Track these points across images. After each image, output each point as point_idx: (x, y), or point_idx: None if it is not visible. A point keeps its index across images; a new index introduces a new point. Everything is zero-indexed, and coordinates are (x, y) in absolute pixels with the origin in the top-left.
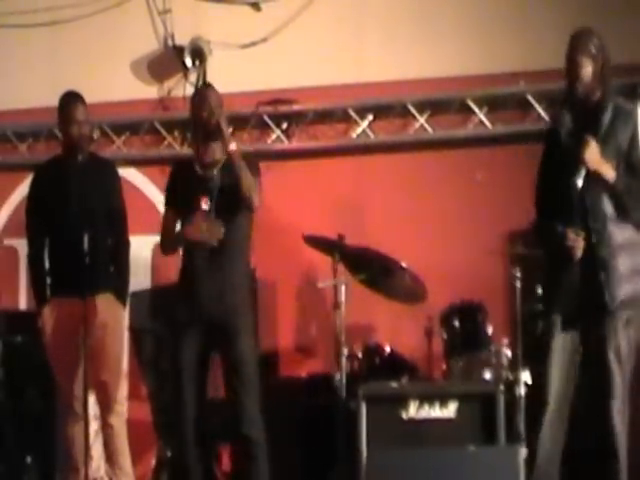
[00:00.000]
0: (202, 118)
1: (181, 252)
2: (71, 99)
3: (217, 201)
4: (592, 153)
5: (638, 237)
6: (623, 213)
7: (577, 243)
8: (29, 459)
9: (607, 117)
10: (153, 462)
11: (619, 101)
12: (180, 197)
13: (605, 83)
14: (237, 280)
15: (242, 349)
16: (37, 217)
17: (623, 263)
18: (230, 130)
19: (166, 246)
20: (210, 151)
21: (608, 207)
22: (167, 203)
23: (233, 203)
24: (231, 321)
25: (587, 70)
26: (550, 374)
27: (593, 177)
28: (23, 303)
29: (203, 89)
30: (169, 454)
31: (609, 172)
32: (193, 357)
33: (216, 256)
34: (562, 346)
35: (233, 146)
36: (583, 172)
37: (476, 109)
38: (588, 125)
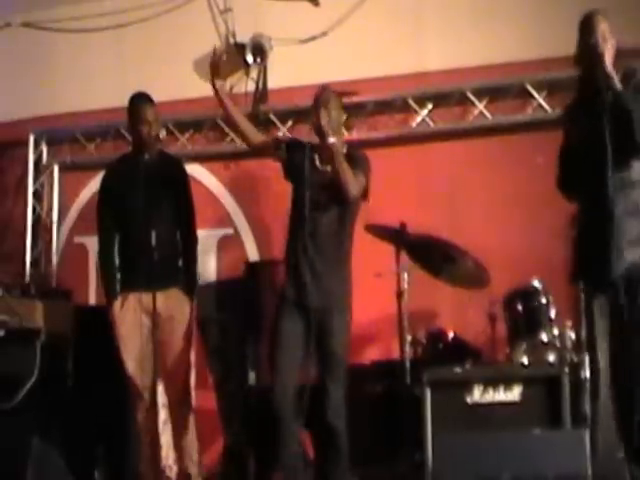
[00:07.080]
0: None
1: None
2: (142, 100)
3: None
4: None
5: None
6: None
7: None
8: (100, 449)
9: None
10: (220, 450)
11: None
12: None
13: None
14: (336, 270)
15: (336, 337)
16: (107, 214)
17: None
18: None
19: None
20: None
21: None
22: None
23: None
24: (330, 308)
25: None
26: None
27: None
28: (93, 298)
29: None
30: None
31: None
32: (295, 333)
33: (316, 242)
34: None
35: (332, 139)
36: None
37: (535, 93)
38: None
